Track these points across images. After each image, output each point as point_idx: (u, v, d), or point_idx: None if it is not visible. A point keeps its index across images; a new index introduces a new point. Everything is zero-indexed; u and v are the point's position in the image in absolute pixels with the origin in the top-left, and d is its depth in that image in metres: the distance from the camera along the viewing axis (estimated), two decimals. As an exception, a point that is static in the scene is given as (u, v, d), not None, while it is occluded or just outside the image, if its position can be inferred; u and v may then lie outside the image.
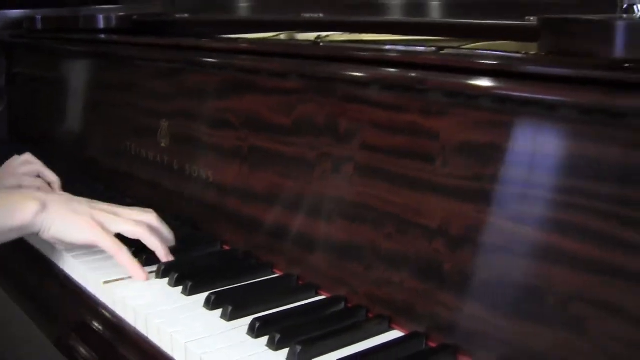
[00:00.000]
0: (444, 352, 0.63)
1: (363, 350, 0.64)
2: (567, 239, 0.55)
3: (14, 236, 0.85)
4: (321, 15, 1.00)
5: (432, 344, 0.64)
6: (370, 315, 0.70)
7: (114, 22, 1.34)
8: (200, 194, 0.94)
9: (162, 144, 0.99)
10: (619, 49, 0.53)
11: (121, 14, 1.37)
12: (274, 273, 0.81)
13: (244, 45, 0.96)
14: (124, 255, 0.83)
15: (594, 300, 0.53)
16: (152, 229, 0.85)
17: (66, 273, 0.87)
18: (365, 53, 0.77)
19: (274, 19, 1.13)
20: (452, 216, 0.64)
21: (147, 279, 0.82)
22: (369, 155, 0.72)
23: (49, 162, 1.07)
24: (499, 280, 0.60)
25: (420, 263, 0.66)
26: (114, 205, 0.88)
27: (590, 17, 0.57)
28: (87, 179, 1.19)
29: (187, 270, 0.81)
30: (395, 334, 0.67)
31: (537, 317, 0.56)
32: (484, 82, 0.62)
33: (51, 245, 0.90)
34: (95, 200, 0.89)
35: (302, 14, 1.02)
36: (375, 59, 0.74)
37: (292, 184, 0.81)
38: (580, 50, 0.56)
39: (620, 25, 0.54)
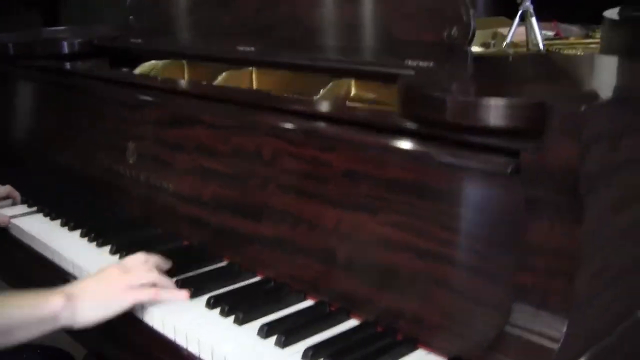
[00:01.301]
0: (341, 314, 0.92)
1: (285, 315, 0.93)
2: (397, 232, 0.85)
3: (40, 332, 0.87)
4: (252, 49, 1.26)
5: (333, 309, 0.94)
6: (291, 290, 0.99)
7: (76, 47, 1.55)
8: (162, 200, 1.22)
9: (130, 161, 1.26)
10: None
11: (79, 40, 1.55)
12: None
13: (184, 88, 1.23)
14: (164, 294, 0.94)
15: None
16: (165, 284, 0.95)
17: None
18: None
19: (209, 53, 1.38)
20: (339, 220, 0.93)
21: (189, 297, 0.94)
22: (286, 176, 1.01)
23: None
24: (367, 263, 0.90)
25: (322, 253, 0.95)
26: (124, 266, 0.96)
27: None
28: (70, 187, 1.44)
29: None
30: (308, 303, 0.97)
31: (392, 287, 0.87)
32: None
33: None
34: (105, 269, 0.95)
35: (237, 47, 1.28)
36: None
37: (232, 194, 1.09)
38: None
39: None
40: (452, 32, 1.08)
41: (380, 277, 0.89)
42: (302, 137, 1.00)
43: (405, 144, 0.87)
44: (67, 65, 1.51)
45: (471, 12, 1.07)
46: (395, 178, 0.87)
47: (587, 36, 1.72)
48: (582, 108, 0.68)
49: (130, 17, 1.61)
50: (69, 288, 0.92)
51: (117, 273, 0.94)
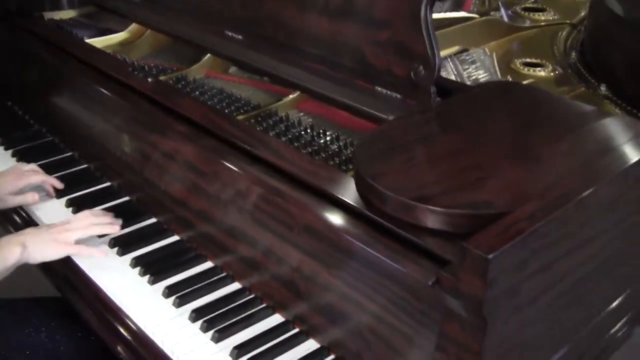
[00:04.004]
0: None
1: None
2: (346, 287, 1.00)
3: (8, 273, 1.19)
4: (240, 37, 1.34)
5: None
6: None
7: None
8: (147, 187, 1.36)
9: (126, 150, 1.38)
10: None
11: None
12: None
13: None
14: (84, 250, 1.23)
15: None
16: (97, 222, 1.27)
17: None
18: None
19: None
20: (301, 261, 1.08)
21: (106, 254, 1.24)
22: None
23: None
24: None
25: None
26: (64, 222, 1.27)
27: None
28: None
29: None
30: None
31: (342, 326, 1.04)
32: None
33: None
34: (52, 224, 1.27)
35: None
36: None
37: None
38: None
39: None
40: (419, 70, 1.15)
41: (332, 314, 1.06)
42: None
43: (356, 224, 0.99)
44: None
45: (437, 53, 1.13)
46: (347, 247, 1.01)
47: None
48: (491, 256, 0.79)
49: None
50: (23, 236, 1.22)
51: (57, 228, 1.25)
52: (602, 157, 1.00)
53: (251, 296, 1.17)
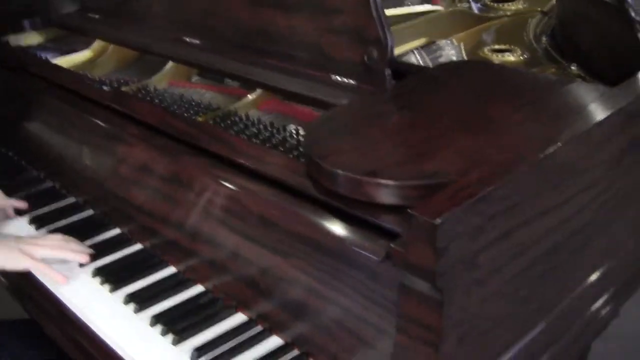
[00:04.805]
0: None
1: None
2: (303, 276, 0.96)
3: None
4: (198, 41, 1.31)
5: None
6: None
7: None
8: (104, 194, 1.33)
9: (87, 162, 1.35)
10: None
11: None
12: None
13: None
14: (46, 269, 1.18)
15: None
16: (66, 246, 1.22)
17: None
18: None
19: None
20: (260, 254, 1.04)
21: (66, 281, 1.18)
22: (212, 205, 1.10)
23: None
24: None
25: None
26: (35, 236, 1.25)
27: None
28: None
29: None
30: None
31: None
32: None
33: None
34: (22, 237, 1.25)
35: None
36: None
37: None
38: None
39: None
40: (372, 53, 1.11)
41: (296, 310, 1.01)
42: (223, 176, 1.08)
43: (308, 208, 0.95)
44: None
45: (388, 34, 1.10)
46: (300, 233, 0.96)
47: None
48: (437, 221, 0.75)
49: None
50: None
51: (26, 240, 1.23)
52: (563, 120, 0.96)
53: (212, 297, 1.13)
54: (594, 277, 1.08)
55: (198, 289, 1.15)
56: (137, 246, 1.27)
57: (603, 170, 1.01)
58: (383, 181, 0.86)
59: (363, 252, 0.86)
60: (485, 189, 0.80)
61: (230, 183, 1.06)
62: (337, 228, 0.91)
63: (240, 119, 1.26)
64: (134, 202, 1.26)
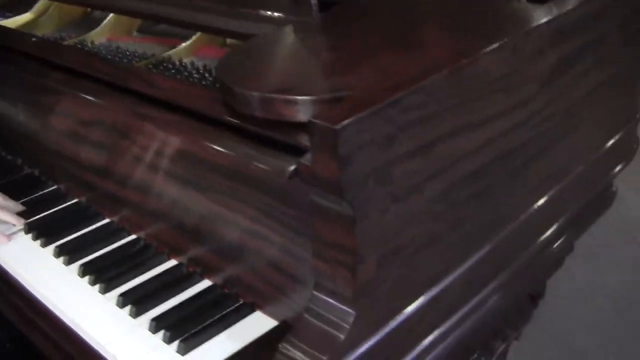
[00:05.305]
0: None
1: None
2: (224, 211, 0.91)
3: None
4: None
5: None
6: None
7: None
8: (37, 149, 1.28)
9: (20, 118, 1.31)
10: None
11: None
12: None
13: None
14: None
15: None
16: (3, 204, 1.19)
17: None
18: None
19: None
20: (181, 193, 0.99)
21: (7, 242, 1.14)
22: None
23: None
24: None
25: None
26: None
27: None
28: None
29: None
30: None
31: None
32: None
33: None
34: None
35: None
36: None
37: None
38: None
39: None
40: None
41: (221, 248, 0.97)
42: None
43: (221, 135, 0.90)
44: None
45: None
46: (218, 162, 0.92)
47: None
48: (338, 127, 0.70)
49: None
50: None
51: None
52: (488, 34, 0.91)
53: (144, 244, 1.09)
54: (540, 202, 1.03)
55: (130, 238, 1.11)
56: (73, 200, 1.23)
57: (536, 87, 0.96)
58: (292, 97, 0.81)
59: (275, 171, 0.82)
60: (391, 96, 0.75)
61: (151, 121, 1.01)
62: (249, 151, 0.86)
63: (173, 64, 1.21)
64: (65, 154, 1.21)
